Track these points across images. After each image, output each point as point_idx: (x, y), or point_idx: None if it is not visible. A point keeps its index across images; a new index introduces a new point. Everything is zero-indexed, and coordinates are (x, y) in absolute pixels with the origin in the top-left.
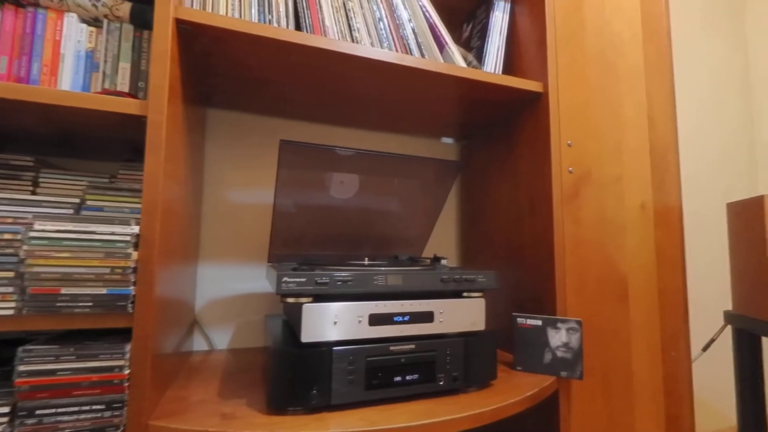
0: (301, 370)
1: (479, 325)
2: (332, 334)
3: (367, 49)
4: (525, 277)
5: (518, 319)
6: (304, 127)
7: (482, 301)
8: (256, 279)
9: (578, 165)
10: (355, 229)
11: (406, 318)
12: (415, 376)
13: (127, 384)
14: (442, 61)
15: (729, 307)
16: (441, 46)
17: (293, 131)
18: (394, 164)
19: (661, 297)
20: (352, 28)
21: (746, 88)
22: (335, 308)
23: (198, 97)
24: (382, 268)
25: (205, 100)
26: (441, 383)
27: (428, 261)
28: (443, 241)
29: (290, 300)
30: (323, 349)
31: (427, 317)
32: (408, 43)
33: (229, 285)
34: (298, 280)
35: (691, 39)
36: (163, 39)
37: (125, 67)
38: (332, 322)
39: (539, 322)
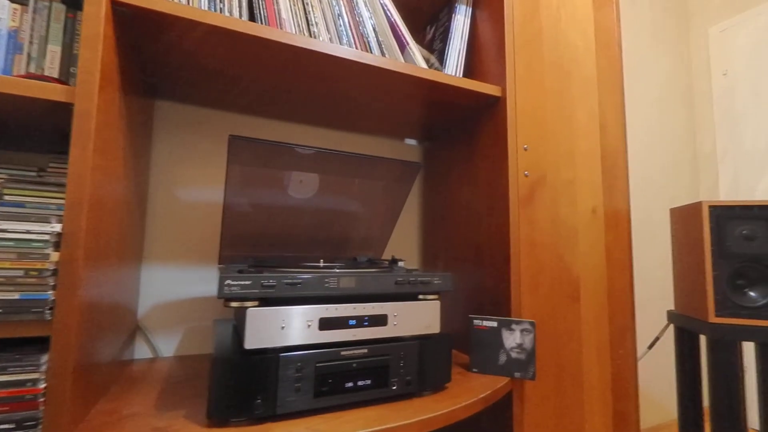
0: (245, 379)
1: (434, 327)
2: (279, 340)
3: (324, 44)
4: (483, 279)
5: (475, 320)
6: (262, 123)
7: (437, 303)
8: (206, 281)
9: (534, 169)
10: (313, 230)
11: (359, 322)
12: (368, 382)
13: (42, 399)
14: (402, 61)
15: (672, 307)
16: (402, 46)
17: (249, 127)
18: (352, 164)
19: (610, 298)
20: (310, 23)
21: (689, 103)
22: (283, 312)
23: (143, 87)
24: (336, 270)
25: (151, 90)
26: (394, 388)
27: (387, 263)
28: (406, 243)
29: (234, 304)
30: (269, 355)
31: (381, 320)
32: (368, 41)
33: (176, 288)
34: (242, 283)
35: (641, 55)
36: (94, 21)
37: (55, 50)
38: (279, 327)
39: (495, 324)
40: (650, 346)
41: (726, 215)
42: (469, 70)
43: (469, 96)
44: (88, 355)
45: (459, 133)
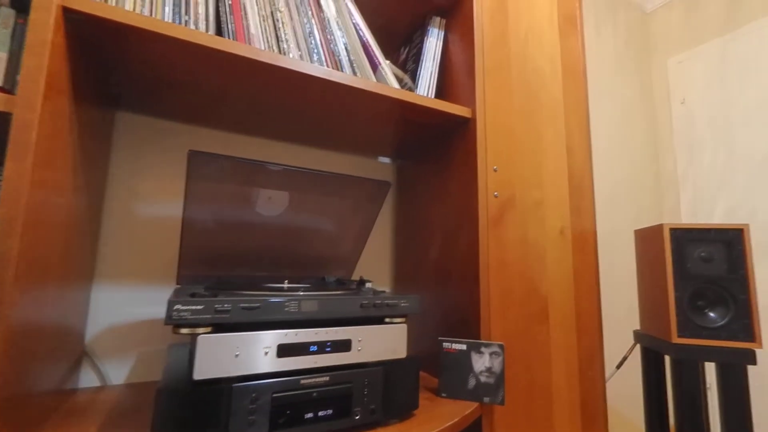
0: (193, 412)
1: (401, 352)
2: (233, 369)
3: (292, 61)
4: (453, 300)
5: (444, 343)
6: (231, 138)
7: (404, 327)
8: (163, 302)
9: (503, 189)
10: (280, 249)
11: (321, 347)
12: (329, 412)
13: None
14: (374, 80)
15: (638, 326)
16: (374, 65)
17: (218, 141)
18: (321, 182)
19: (578, 319)
20: (280, 39)
21: (652, 128)
22: (237, 339)
23: (104, 97)
24: (297, 294)
25: (113, 101)
26: (357, 417)
27: (356, 284)
28: (378, 262)
29: (185, 331)
30: (221, 386)
31: (344, 346)
32: (340, 60)
33: (130, 309)
34: (193, 307)
35: (606, 83)
36: (41, 27)
37: (1, 56)
38: (233, 355)
39: (464, 347)
40: (618, 366)
41: (685, 237)
42: (441, 91)
43: (440, 116)
44: (18, 385)
45: (431, 152)
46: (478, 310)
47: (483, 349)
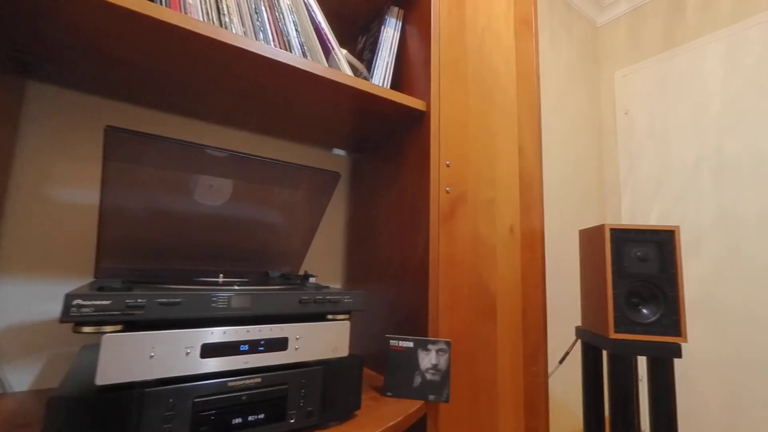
0: (91, 422)
1: (342, 350)
2: (146, 372)
3: (233, 36)
4: (403, 296)
5: (391, 341)
6: (169, 119)
7: (347, 324)
8: None
9: (455, 186)
10: (219, 242)
11: (253, 347)
12: (261, 416)
13: None
14: (326, 65)
15: (580, 323)
16: (327, 50)
17: (154, 122)
18: (267, 171)
19: (524, 315)
20: (221, 12)
21: (598, 136)
22: (151, 338)
23: (11, 65)
24: (228, 288)
25: (22, 69)
26: (292, 421)
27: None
28: (330, 259)
29: (88, 329)
30: (129, 391)
31: (280, 345)
32: (289, 40)
33: (39, 306)
34: (97, 302)
35: (558, 89)
36: None
37: None
38: (147, 357)
39: (411, 344)
40: (561, 361)
41: (623, 238)
42: (397, 84)
43: (395, 108)
44: None
45: (386, 146)
46: (426, 307)
47: (430, 346)
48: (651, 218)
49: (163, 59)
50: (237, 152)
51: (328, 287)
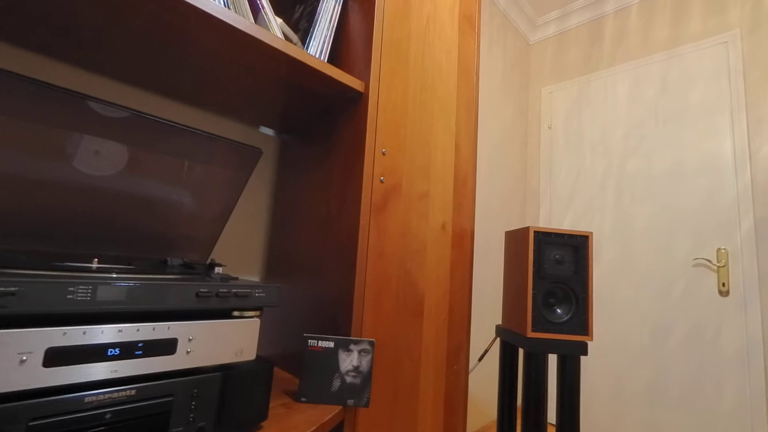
0: None
1: (248, 353)
2: None
3: None
4: (327, 292)
5: (310, 340)
6: (59, 68)
7: (257, 322)
8: None
9: (390, 175)
10: (102, 221)
11: (127, 351)
12: None
13: None
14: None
15: (500, 321)
16: (256, 9)
17: (37, 69)
18: (172, 138)
19: (450, 314)
20: None
21: (524, 145)
22: None
23: None
24: (114, 275)
25: None
26: None
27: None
28: (250, 249)
29: None
30: None
31: (166, 347)
32: None
33: None
34: None
35: (492, 98)
36: None
37: None
38: None
39: (331, 344)
40: (480, 359)
41: (545, 240)
42: (334, 61)
43: (330, 85)
44: None
45: (319, 127)
46: (351, 303)
47: (352, 346)
48: (564, 224)
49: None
50: (135, 110)
51: (237, 279)
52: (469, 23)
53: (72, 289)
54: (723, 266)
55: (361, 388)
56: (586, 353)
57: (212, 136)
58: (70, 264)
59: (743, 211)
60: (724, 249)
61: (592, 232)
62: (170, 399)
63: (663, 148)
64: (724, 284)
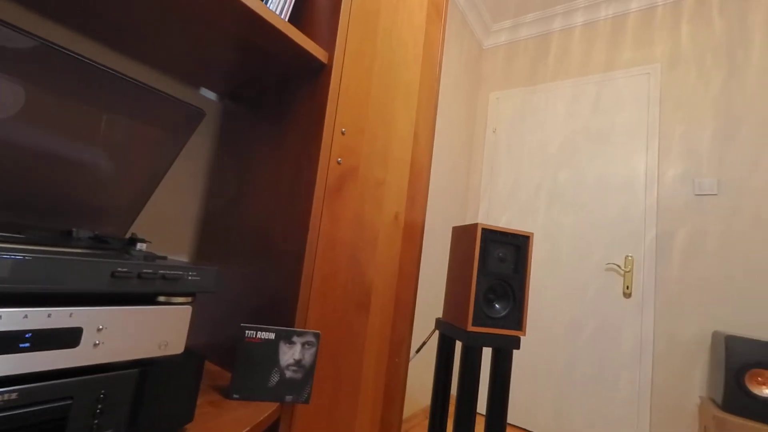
0: None
1: (176, 346)
2: None
3: None
4: (270, 279)
5: (247, 331)
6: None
7: (187, 310)
8: None
9: (348, 157)
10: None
11: (11, 343)
12: None
13: None
14: None
15: (439, 314)
16: None
17: None
18: (91, 82)
19: (396, 307)
20: None
21: (470, 145)
22: None
23: None
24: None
25: None
26: None
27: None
28: (178, 225)
29: None
30: None
31: (65, 339)
32: None
33: None
34: None
35: (445, 93)
36: None
37: None
38: None
39: (272, 335)
40: (418, 350)
41: (490, 238)
42: (297, 24)
43: (290, 49)
44: None
45: (273, 99)
46: (297, 293)
47: (295, 338)
48: (501, 224)
49: None
50: (43, 39)
51: (165, 258)
52: (437, 12)
53: None
54: (629, 271)
55: (301, 384)
56: (518, 347)
57: (144, 87)
58: None
59: (648, 225)
60: (630, 256)
61: (533, 233)
62: (69, 402)
63: (591, 162)
64: (628, 287)
